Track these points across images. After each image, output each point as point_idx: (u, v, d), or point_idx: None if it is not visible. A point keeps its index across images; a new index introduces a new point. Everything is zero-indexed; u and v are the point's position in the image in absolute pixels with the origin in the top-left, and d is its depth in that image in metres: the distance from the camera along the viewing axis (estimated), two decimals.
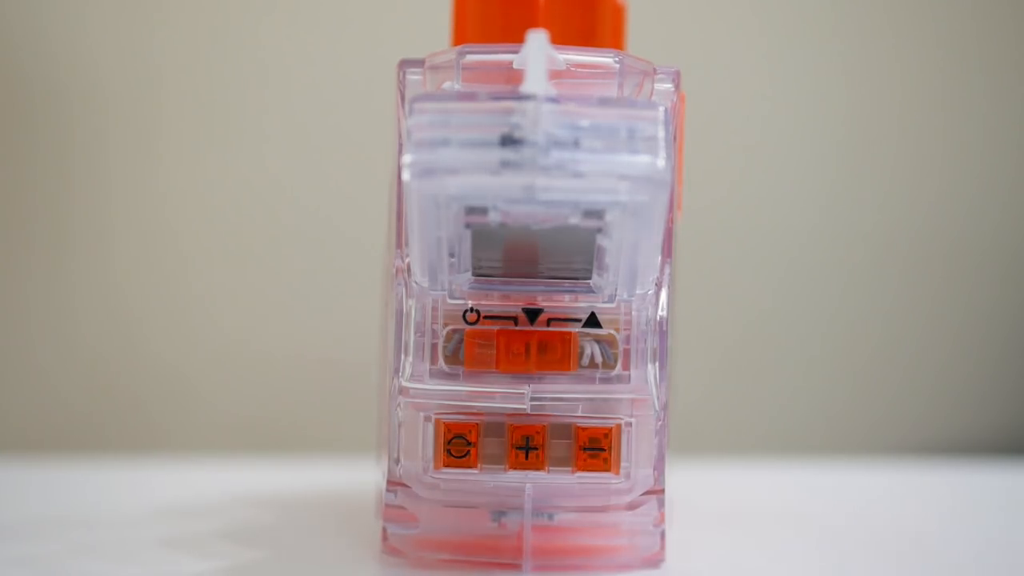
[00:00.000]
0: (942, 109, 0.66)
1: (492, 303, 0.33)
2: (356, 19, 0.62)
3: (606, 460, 0.33)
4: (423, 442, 0.33)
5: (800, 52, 0.65)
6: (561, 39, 0.34)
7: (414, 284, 0.32)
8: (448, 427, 0.33)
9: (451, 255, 0.31)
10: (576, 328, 0.33)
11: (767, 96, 0.65)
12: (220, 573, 0.34)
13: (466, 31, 0.36)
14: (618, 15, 0.36)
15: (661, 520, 0.35)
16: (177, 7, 0.61)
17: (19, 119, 0.60)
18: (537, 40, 0.29)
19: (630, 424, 0.33)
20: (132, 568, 0.34)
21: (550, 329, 0.33)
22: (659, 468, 0.34)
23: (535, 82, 0.28)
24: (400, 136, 0.32)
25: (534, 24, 0.33)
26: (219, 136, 0.53)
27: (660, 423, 0.34)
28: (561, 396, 0.32)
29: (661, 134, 0.28)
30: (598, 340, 0.33)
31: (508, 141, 0.28)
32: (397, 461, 0.33)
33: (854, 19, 0.66)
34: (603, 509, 0.34)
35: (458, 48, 0.33)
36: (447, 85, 0.33)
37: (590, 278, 0.32)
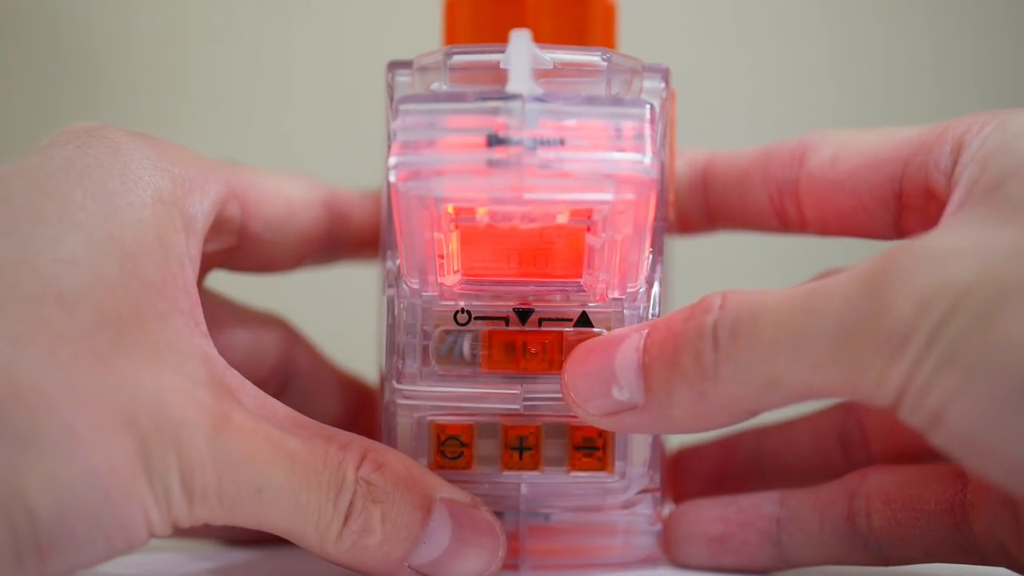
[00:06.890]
0: (936, 106, 0.66)
1: (483, 304, 0.33)
2: (348, 21, 0.62)
3: (600, 459, 0.33)
4: (417, 444, 0.33)
5: (793, 49, 0.65)
6: (552, 38, 0.34)
7: (404, 286, 0.32)
8: (442, 428, 0.33)
9: (440, 256, 0.30)
10: (567, 328, 0.32)
11: (761, 93, 0.65)
12: (216, 573, 0.34)
13: (457, 31, 0.36)
14: (609, 14, 0.36)
15: (657, 519, 0.35)
16: (159, 10, 0.61)
17: None
18: (520, 39, 0.29)
19: None
20: (129, 568, 0.34)
21: (542, 329, 0.32)
22: (654, 466, 0.34)
23: (520, 81, 0.28)
24: (389, 138, 0.32)
25: (523, 24, 0.33)
26: (209, 139, 0.53)
27: None
28: (554, 396, 0.32)
29: (647, 132, 0.28)
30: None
31: (494, 141, 0.28)
32: None
33: (847, 16, 0.66)
34: (598, 508, 0.34)
35: (445, 48, 0.33)
36: (435, 86, 0.33)
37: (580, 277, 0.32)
